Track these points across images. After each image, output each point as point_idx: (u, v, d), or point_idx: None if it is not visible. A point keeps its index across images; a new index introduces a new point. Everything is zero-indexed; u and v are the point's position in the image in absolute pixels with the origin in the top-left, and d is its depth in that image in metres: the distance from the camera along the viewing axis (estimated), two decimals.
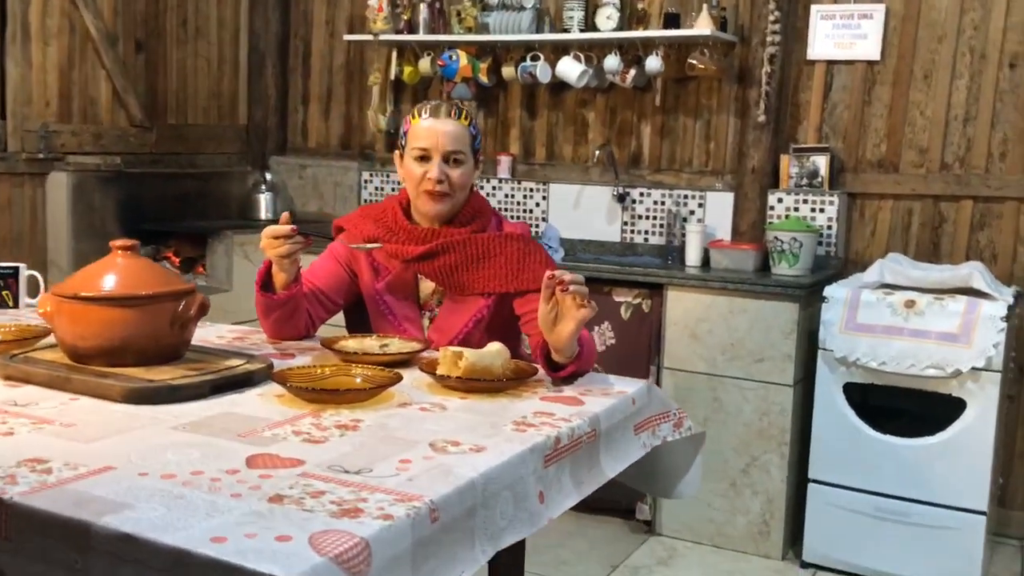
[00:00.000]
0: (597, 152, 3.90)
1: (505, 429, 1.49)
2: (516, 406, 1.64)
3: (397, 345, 1.95)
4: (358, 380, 1.68)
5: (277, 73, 4.73)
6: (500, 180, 4.21)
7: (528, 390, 1.75)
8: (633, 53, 3.80)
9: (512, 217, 4.19)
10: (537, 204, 4.15)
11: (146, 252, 4.16)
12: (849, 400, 3.10)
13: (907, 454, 3.01)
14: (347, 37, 4.37)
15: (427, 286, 2.18)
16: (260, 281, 2.02)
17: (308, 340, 2.13)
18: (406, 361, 1.90)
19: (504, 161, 4.19)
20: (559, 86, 4.02)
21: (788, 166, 3.65)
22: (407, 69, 4.23)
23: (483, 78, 4.08)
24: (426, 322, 2.18)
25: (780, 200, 3.65)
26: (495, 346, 1.77)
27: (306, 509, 1.12)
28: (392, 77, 4.27)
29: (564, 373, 1.81)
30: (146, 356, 1.69)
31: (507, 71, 4.02)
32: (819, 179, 3.60)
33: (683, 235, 3.69)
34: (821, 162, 3.60)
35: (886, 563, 3.05)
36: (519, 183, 4.18)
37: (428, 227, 2.14)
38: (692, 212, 3.84)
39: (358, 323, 2.28)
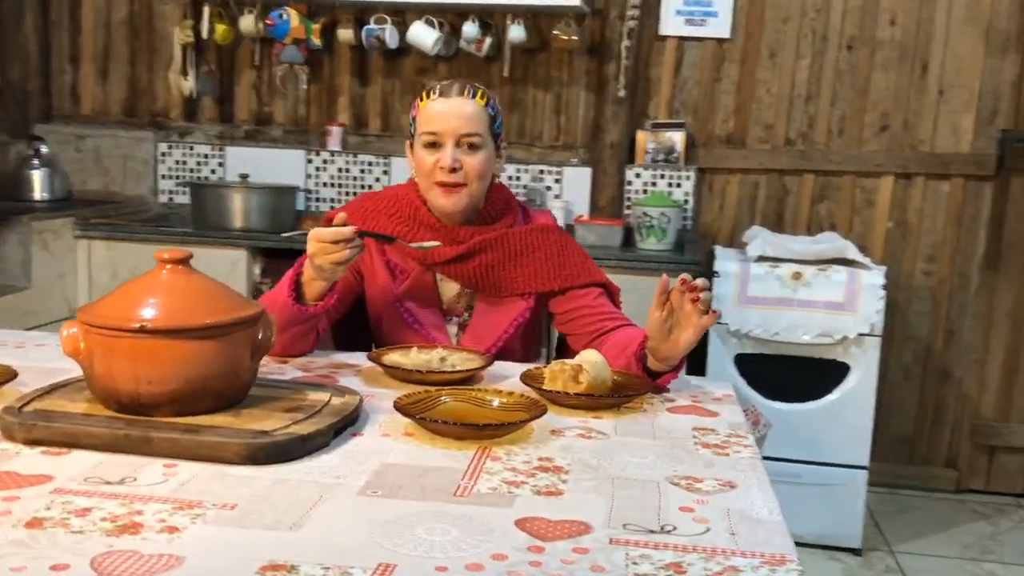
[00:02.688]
0: None
1: (706, 454, 1.34)
2: (665, 422, 1.49)
3: (456, 358, 1.70)
4: (495, 405, 1.43)
5: (39, 27, 4.00)
6: (332, 153, 3.87)
7: (643, 402, 1.60)
8: (484, 20, 3.63)
9: (349, 194, 3.88)
10: (377, 179, 3.87)
11: None
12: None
13: (796, 419, 3.17)
14: None
15: (449, 288, 1.92)
16: (291, 289, 1.68)
17: (321, 356, 1.81)
18: (471, 377, 1.66)
19: (335, 132, 3.85)
20: (395, 51, 3.76)
21: (645, 142, 3.68)
22: (220, 27, 3.74)
23: (316, 40, 3.72)
24: (453, 329, 1.93)
25: (638, 175, 3.68)
26: (597, 355, 1.59)
27: None
28: (204, 35, 3.76)
29: (664, 382, 1.67)
30: (223, 398, 1.34)
31: (344, 34, 3.69)
32: (675, 154, 3.67)
33: None
34: (677, 138, 3.66)
35: None
36: (354, 156, 3.87)
37: (455, 225, 1.88)
38: (548, 188, 3.76)
39: (351, 335, 1.97)
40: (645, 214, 3.41)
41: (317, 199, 3.91)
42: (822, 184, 3.67)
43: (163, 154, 3.99)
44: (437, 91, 1.86)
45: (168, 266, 1.35)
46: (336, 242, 1.58)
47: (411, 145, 1.89)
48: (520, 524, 1.06)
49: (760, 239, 3.29)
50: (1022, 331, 3.65)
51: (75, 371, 1.61)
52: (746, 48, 3.65)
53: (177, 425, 1.27)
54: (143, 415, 1.29)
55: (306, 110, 3.95)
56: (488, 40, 3.60)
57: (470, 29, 3.55)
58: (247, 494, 1.12)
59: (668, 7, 3.65)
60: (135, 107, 4.06)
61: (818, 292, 3.11)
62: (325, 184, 3.90)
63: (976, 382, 3.71)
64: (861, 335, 3.09)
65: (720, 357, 3.19)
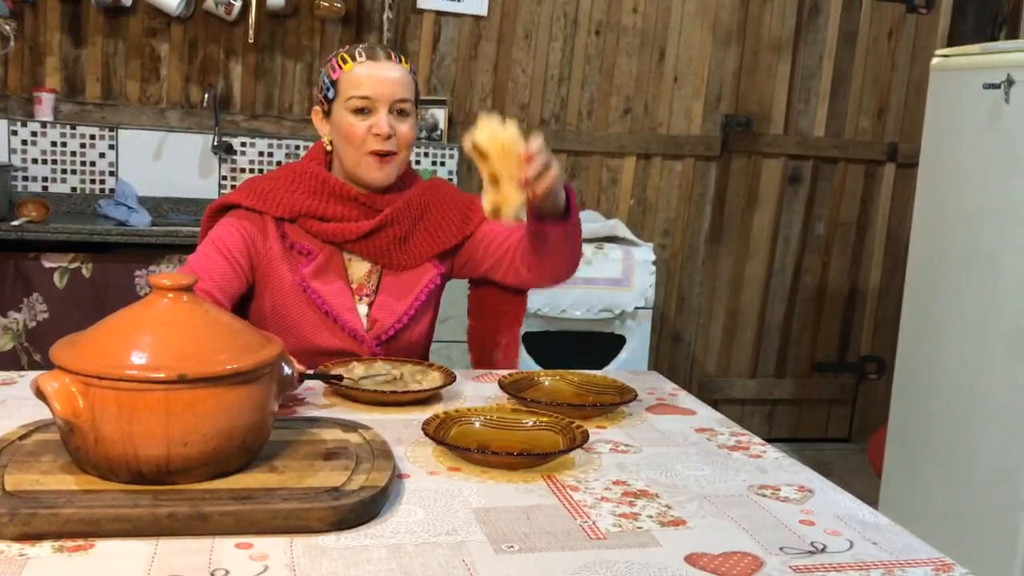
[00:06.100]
0: (206, 95, 3.32)
1: (743, 459, 1.35)
2: (663, 426, 1.48)
3: (410, 370, 1.56)
4: (529, 424, 1.32)
5: None
6: (43, 124, 3.32)
7: (627, 411, 1.56)
8: None
9: (68, 172, 3.36)
10: (102, 155, 3.38)
11: None
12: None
13: None
14: None
15: (359, 267, 1.79)
16: None
17: None
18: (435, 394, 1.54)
19: (46, 99, 3.30)
20: (117, 9, 3.31)
21: None
22: None
23: None
24: (364, 309, 1.77)
25: None
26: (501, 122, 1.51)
27: None
28: None
29: (573, 218, 1.67)
30: (253, 452, 1.11)
31: None
32: (439, 132, 3.61)
33: None
34: (440, 115, 3.60)
35: None
36: (72, 128, 3.35)
37: (371, 193, 1.76)
38: None
39: None
40: None
41: (26, 178, 3.34)
42: (573, 164, 3.81)
43: None
44: (361, 54, 1.72)
45: (170, 295, 1.09)
46: None
47: (324, 113, 1.74)
48: (692, 562, 1.00)
49: None
50: (739, 296, 4.08)
51: None
52: (502, 27, 3.66)
53: (220, 492, 1.03)
54: (167, 483, 1.04)
55: (3, 72, 3.35)
56: (239, 3, 3.28)
57: None
58: (379, 570, 0.94)
59: None
60: None
61: (599, 269, 3.23)
62: (36, 160, 3.34)
63: (702, 343, 4.08)
64: (637, 308, 3.27)
65: None
